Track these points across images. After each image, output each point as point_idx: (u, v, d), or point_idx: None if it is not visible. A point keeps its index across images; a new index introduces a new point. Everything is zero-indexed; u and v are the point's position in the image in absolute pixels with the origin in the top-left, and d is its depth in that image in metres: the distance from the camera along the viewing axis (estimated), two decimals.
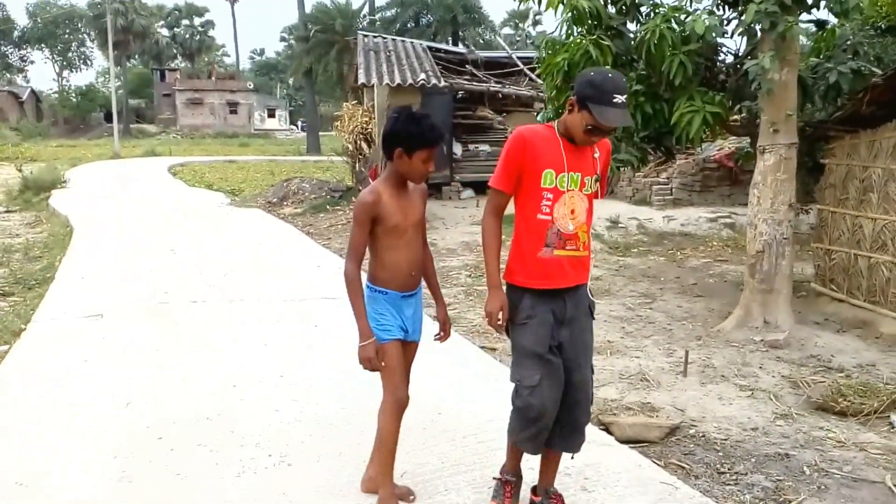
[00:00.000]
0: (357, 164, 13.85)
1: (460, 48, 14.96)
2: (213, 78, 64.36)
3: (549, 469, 3.29)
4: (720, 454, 4.22)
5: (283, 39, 55.81)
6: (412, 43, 13.92)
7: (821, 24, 7.49)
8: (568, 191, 2.91)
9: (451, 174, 14.87)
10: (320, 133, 41.27)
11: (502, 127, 15.23)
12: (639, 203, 14.19)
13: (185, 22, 71.58)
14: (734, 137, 12.47)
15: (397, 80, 11.42)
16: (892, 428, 4.64)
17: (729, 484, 3.84)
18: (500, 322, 2.99)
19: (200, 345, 5.90)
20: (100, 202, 15.86)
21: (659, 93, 7.07)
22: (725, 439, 4.43)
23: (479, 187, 15.10)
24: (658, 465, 3.99)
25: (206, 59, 75.64)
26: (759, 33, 6.34)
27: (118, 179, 22.26)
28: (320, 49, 33.95)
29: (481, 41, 38.70)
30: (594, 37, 6.60)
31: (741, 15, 6.53)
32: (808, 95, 7.08)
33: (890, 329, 6.44)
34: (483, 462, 3.79)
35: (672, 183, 13.89)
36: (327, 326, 6.42)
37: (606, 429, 4.47)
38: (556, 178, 2.89)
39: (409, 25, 38.72)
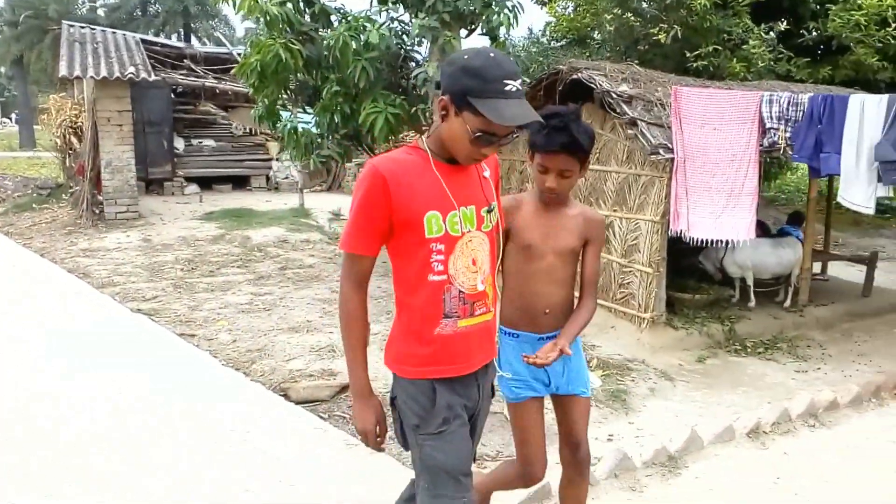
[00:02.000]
0: (67, 160, 13.16)
1: (178, 42, 14.75)
2: None
3: None
4: None
5: None
6: (124, 35, 13.48)
7: (494, 37, 8.65)
8: (463, 234, 2.08)
9: (173, 169, 14.64)
10: (36, 126, 37.67)
11: (226, 122, 15.29)
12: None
13: None
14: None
15: (103, 72, 11.06)
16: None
17: None
18: (379, 439, 2.22)
19: None
20: None
21: (353, 94, 7.78)
22: (387, 391, 5.15)
23: (204, 182, 15.05)
24: (322, 417, 4.61)
25: None
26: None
27: None
28: (32, 36, 31.07)
29: (216, 34, 37.71)
30: (284, 41, 7.09)
31: None
32: None
33: None
34: None
35: None
36: (18, 326, 6.32)
37: (285, 394, 5.02)
38: (444, 222, 2.05)
39: (135, 14, 36.70)
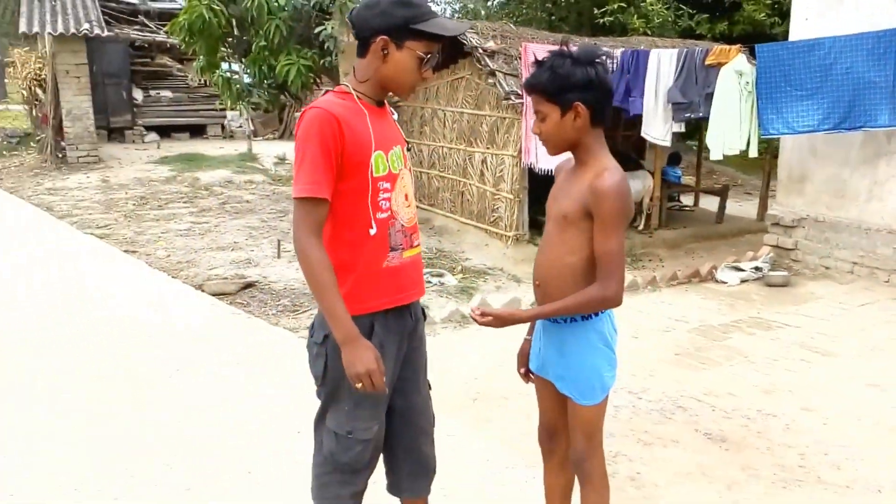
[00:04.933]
0: (34, 110, 14.28)
1: None
2: None
3: None
4: (273, 295, 6.34)
5: None
6: None
7: None
8: (400, 171, 2.22)
9: (132, 119, 15.78)
10: (6, 80, 38.09)
11: (182, 74, 16.39)
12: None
13: None
14: None
15: (60, 28, 12.16)
16: None
17: (265, 307, 5.97)
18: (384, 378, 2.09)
19: None
20: None
21: (274, 49, 9.03)
22: (283, 289, 6.56)
23: (162, 131, 16.22)
24: (226, 303, 6.01)
25: None
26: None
27: None
28: None
29: None
30: (207, 2, 8.30)
31: None
32: None
33: (439, 223, 9.12)
34: None
35: None
36: None
37: (200, 288, 6.41)
38: (387, 160, 2.16)
39: None
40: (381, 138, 2.13)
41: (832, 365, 4.67)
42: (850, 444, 3.62)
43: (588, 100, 2.12)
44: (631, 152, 10.04)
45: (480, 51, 7.69)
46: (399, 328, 2.27)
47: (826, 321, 5.50)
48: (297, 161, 2.05)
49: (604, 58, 2.17)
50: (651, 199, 8.91)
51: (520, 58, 7.69)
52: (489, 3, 17.83)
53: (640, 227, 8.92)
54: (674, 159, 10.45)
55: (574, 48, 2.15)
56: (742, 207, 11.26)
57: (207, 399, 4.09)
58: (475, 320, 2.25)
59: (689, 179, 11.61)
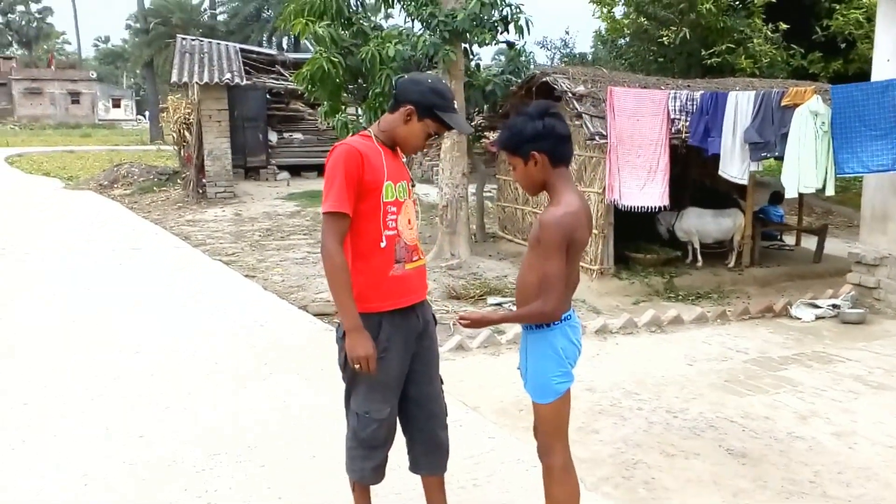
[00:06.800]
0: (182, 151, 15.98)
1: (271, 50, 17.36)
2: (52, 67, 62.57)
3: (437, 499, 3.04)
4: None
5: (128, 27, 55.37)
6: (226, 46, 16.22)
7: (511, 44, 10.56)
8: (405, 200, 2.77)
9: (267, 159, 17.29)
10: (161, 124, 41.98)
11: (312, 118, 17.80)
12: (423, 182, 17.23)
13: (21, 8, 68.79)
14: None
15: (206, 78, 13.75)
16: (486, 304, 7.64)
17: None
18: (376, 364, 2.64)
19: None
20: None
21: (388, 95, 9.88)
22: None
23: (293, 169, 17.64)
24: (324, 322, 6.75)
25: (45, 47, 72.95)
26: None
27: None
28: (160, 41, 35.05)
29: None
30: (327, 55, 9.26)
31: None
32: (486, 98, 10.11)
33: None
34: None
35: None
36: (131, 265, 8.87)
37: (305, 308, 7.20)
38: (395, 190, 2.71)
39: (250, 20, 40.35)
40: (392, 173, 2.72)
41: (880, 397, 4.78)
42: (869, 467, 3.81)
43: (542, 147, 2.55)
44: (732, 192, 10.17)
45: (570, 94, 8.19)
46: (405, 327, 2.77)
47: (890, 357, 5.54)
48: (326, 184, 2.64)
49: (554, 110, 2.61)
50: (742, 237, 8.99)
51: (605, 100, 8.14)
52: (607, 47, 18.22)
53: (731, 265, 9.02)
54: (776, 199, 10.44)
55: (528, 107, 2.61)
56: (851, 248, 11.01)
57: (289, 395, 4.77)
58: (459, 324, 2.78)
59: (806, 220, 11.46)
